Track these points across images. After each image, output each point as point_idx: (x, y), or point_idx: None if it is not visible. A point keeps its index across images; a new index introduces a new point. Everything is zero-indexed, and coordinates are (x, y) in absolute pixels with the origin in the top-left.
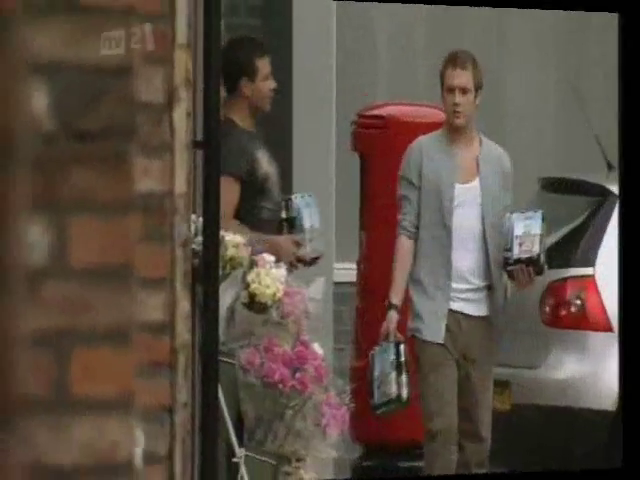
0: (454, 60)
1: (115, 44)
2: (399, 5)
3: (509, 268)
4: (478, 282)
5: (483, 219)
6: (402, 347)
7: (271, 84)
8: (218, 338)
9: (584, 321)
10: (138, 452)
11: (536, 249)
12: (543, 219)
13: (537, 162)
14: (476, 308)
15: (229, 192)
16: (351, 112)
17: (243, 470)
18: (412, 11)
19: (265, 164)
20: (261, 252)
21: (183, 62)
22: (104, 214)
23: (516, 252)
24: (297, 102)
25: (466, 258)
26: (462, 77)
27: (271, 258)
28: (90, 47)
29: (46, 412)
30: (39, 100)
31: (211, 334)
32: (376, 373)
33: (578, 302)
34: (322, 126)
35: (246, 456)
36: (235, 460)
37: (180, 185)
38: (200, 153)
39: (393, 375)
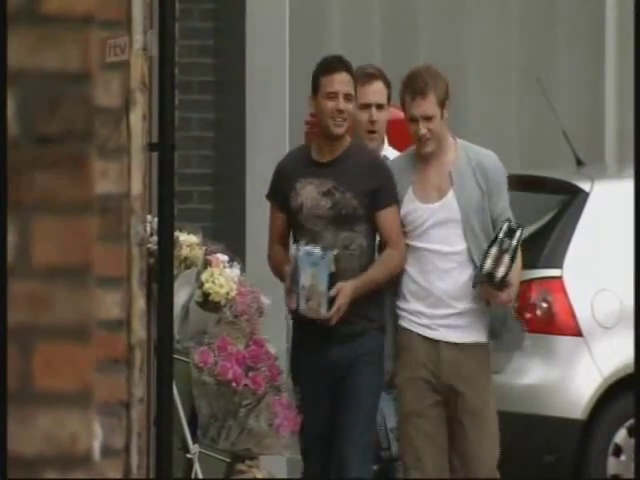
0: (412, 87)
1: (120, 50)
2: (352, 7)
3: (474, 287)
4: (463, 305)
5: (466, 235)
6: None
7: (337, 104)
8: (173, 336)
9: (551, 325)
10: (96, 445)
11: (484, 264)
12: (508, 229)
13: (500, 158)
14: (462, 334)
15: (273, 217)
16: (304, 112)
17: (197, 466)
18: (367, 5)
19: (302, 196)
20: (215, 252)
21: (139, 67)
22: (64, 215)
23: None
24: (250, 103)
25: (445, 280)
26: (423, 106)
27: (225, 258)
28: (51, 54)
29: (11, 403)
30: (7, 107)
31: (166, 332)
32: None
33: (544, 305)
34: (276, 126)
35: (200, 453)
36: (189, 456)
37: (136, 186)
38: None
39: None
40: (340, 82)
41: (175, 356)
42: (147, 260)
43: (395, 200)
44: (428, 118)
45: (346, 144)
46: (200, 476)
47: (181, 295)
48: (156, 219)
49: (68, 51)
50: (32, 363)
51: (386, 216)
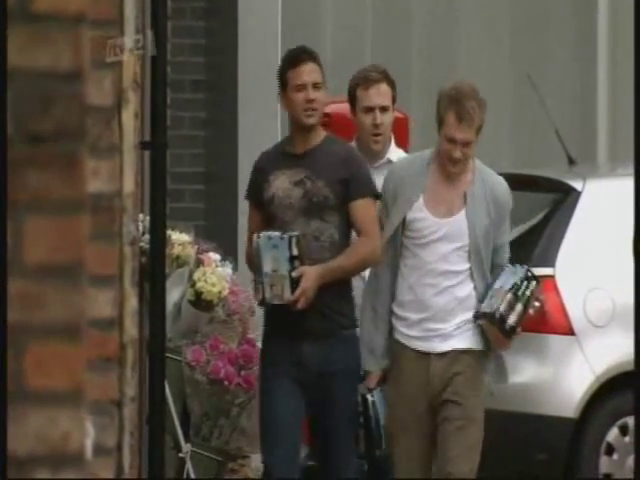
0: (460, 111)
1: (120, 50)
2: (345, 6)
3: (477, 322)
4: (458, 319)
5: (470, 257)
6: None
7: (307, 95)
8: (165, 334)
9: (543, 324)
10: (88, 444)
11: (500, 306)
12: (526, 277)
13: (492, 157)
14: (455, 342)
15: (250, 217)
16: None
17: (189, 465)
18: (359, 3)
19: (274, 187)
20: (207, 251)
21: (131, 65)
22: (56, 214)
23: (484, 305)
24: (242, 102)
25: (443, 296)
26: (468, 133)
27: (217, 256)
28: (43, 53)
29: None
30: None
31: (158, 330)
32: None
33: (536, 304)
34: (268, 125)
35: (192, 452)
36: (181, 455)
37: (128, 185)
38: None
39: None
40: (308, 72)
41: (167, 355)
42: (139, 259)
43: (369, 193)
44: (467, 144)
45: (321, 136)
46: (192, 475)
47: (173, 294)
48: (148, 218)
49: (60, 50)
50: (24, 362)
51: (358, 207)
